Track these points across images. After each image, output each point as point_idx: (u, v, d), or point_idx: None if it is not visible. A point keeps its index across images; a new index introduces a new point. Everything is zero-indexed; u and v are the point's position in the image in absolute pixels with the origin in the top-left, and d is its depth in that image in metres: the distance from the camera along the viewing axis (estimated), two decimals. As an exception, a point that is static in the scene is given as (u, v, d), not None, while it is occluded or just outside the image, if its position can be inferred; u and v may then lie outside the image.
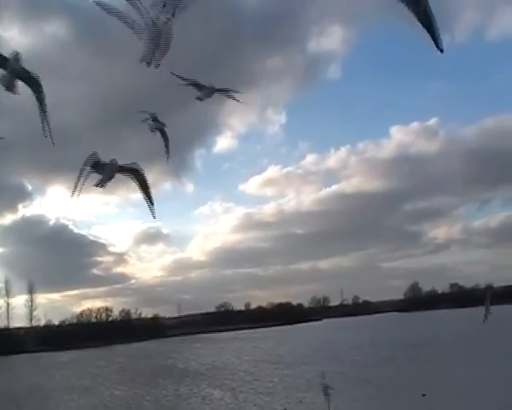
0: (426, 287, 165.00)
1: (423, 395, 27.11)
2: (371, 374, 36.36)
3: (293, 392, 32.26)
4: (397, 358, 44.37)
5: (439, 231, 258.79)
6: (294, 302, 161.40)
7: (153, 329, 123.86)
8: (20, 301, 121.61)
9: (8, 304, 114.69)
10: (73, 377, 52.89)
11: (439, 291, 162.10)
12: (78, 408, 35.86)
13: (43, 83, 5.56)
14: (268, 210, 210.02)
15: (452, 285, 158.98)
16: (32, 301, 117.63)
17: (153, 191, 6.57)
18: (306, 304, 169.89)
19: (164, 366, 57.52)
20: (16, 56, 5.41)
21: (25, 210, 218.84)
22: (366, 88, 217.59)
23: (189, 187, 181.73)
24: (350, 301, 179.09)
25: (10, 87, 5.51)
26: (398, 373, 35.62)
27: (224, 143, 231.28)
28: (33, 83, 5.53)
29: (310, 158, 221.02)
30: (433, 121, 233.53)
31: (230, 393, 34.81)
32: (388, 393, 29.53)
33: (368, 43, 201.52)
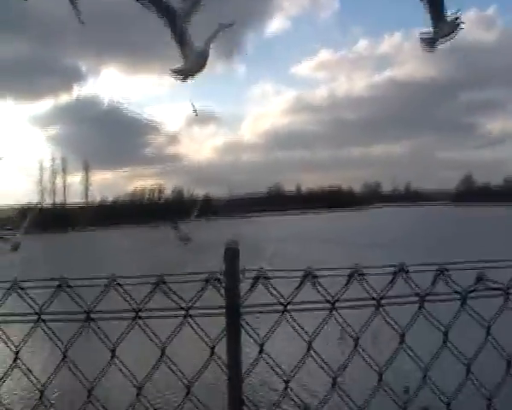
0: (479, 180, 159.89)
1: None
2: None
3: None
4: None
5: (495, 125, 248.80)
6: (345, 187, 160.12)
7: (205, 208, 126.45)
8: (75, 179, 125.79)
9: (64, 181, 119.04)
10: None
11: (493, 185, 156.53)
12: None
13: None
14: (319, 94, 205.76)
15: (507, 181, 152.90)
16: (87, 178, 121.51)
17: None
18: (357, 189, 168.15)
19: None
20: None
21: (79, 90, 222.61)
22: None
23: (241, 69, 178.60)
24: (402, 189, 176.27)
25: None
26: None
27: (276, 25, 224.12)
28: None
29: (362, 43, 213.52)
30: (491, 10, 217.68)
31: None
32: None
33: None
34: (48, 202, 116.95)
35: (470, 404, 3.80)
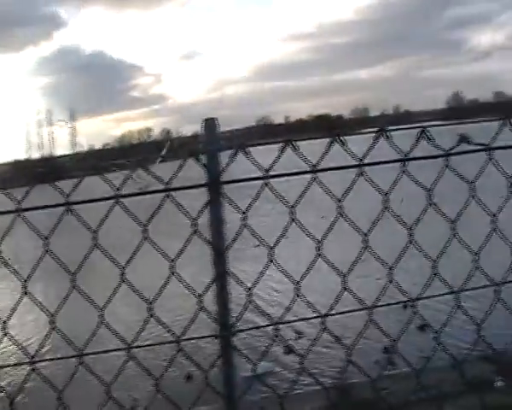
0: (468, 96, 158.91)
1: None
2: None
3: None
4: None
5: (482, 39, 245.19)
6: (335, 114, 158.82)
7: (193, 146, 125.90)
8: (62, 129, 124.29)
9: (50, 133, 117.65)
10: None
11: (482, 100, 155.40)
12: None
13: None
14: (306, 21, 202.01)
15: (497, 94, 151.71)
16: (73, 128, 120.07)
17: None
18: (347, 115, 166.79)
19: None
20: None
21: (60, 39, 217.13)
22: None
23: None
24: (391, 112, 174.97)
25: None
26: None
27: None
28: None
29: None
30: None
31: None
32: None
33: None
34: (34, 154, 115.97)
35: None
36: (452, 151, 2.55)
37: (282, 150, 2.47)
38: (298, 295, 2.44)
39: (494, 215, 2.56)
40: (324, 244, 2.56)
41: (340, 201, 2.50)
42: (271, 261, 2.48)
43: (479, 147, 2.60)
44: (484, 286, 2.59)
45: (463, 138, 2.48)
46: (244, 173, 2.64)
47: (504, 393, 12.51)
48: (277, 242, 2.56)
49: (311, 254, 2.57)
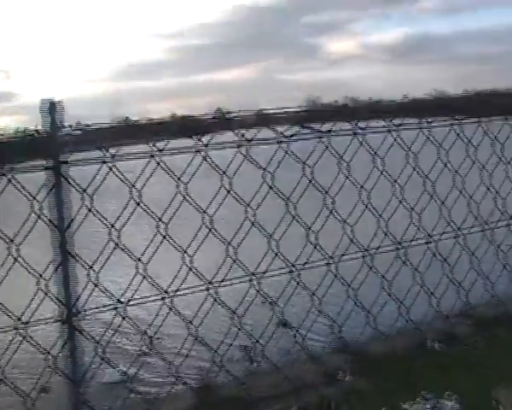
0: (324, 100, 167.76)
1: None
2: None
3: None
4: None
5: (337, 46, 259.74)
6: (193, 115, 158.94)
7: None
8: None
9: None
10: None
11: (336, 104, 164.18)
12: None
13: None
14: (168, 21, 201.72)
15: (350, 98, 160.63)
16: None
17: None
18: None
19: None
20: None
21: None
22: None
23: None
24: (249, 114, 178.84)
25: None
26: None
27: None
28: None
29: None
30: None
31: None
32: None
33: None
34: None
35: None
36: (291, 137, 2.69)
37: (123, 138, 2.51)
38: (144, 277, 2.48)
39: (327, 194, 2.75)
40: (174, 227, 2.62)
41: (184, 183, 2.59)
42: (117, 245, 2.50)
43: (318, 131, 2.76)
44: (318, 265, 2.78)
45: (304, 126, 2.64)
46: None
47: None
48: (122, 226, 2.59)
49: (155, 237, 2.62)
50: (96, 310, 2.53)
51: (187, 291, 2.56)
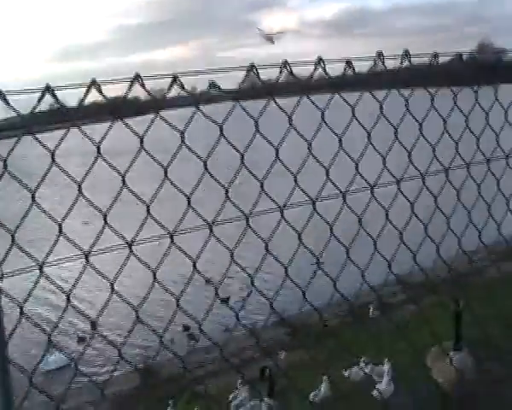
0: (262, 76, 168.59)
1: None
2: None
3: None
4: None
5: (274, 21, 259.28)
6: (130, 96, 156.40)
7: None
8: None
9: None
10: None
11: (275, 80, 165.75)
12: None
13: None
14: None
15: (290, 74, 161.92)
16: None
17: None
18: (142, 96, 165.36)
19: None
20: None
21: None
22: None
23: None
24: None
25: None
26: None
27: None
28: None
29: None
30: None
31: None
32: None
33: None
34: None
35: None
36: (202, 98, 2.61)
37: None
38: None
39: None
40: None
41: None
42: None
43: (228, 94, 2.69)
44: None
45: (212, 85, 2.53)
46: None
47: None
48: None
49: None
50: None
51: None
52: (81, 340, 18.54)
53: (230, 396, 10.41)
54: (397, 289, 15.80)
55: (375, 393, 8.20)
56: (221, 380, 13.40)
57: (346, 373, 9.47)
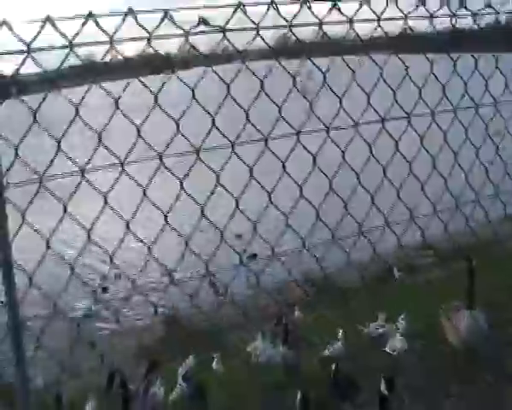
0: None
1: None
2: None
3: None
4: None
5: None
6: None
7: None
8: None
9: None
10: None
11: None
12: None
13: None
14: None
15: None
16: None
17: None
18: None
19: None
20: None
21: None
22: None
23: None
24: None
25: None
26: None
27: None
28: None
29: None
30: None
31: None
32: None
33: None
34: None
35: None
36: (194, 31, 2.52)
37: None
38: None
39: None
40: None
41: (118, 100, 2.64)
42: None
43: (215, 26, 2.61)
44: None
45: (203, 21, 2.45)
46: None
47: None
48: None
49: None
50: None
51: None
52: (104, 290, 18.67)
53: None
54: (424, 253, 15.71)
55: (387, 348, 8.29)
56: (242, 333, 13.50)
57: (364, 330, 9.55)
